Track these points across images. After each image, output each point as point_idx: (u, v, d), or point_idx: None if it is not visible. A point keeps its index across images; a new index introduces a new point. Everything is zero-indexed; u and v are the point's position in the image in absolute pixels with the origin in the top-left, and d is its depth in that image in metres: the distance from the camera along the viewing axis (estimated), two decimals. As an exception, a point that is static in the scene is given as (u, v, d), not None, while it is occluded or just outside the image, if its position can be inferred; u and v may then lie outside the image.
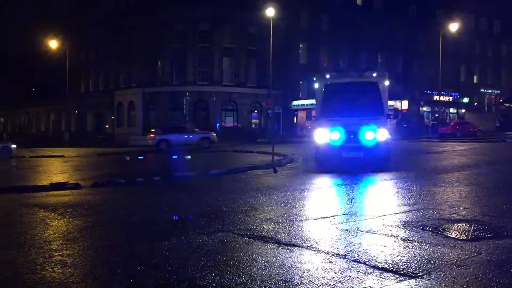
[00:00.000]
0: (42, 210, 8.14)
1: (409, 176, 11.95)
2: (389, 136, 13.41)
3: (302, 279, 4.19)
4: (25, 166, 18.89)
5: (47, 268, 4.67)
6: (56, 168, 17.73)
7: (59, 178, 12.99)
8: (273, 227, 6.28)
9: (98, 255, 5.25)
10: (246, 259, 4.79)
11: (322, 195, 9.56)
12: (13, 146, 26.69)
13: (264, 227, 6.31)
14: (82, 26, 53.83)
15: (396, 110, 14.05)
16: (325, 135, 13.36)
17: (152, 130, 31.84)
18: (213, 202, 8.43)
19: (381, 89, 14.21)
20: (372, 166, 12.99)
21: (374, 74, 14.54)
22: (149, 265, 4.70)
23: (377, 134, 13.13)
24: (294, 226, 6.47)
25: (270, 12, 37.32)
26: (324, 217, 6.89)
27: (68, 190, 10.82)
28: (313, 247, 5.23)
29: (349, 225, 6.32)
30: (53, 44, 47.17)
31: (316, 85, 14.93)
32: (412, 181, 11.02)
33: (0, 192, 10.58)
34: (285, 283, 4.09)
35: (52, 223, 7.05)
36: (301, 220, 6.84)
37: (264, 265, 4.59)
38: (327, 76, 14.84)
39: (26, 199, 9.42)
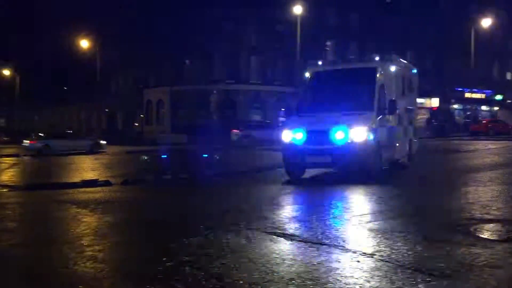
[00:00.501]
0: (74, 206, 8.34)
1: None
2: (372, 136, 10.43)
3: (330, 277, 4.18)
4: (58, 163, 19.37)
5: (79, 263, 4.78)
6: (87, 165, 18.11)
7: (90, 175, 13.28)
8: (300, 225, 6.28)
9: (127, 251, 5.35)
10: (273, 257, 4.81)
11: (349, 193, 9.48)
12: (103, 142, 28.05)
13: (291, 225, 6.31)
14: (112, 26, 54.74)
15: (392, 102, 11.45)
16: (289, 136, 11.01)
17: (235, 127, 32.71)
18: (240, 200, 8.48)
19: (383, 76, 11.62)
20: (344, 175, 10.77)
21: (377, 58, 12.01)
22: (177, 261, 4.76)
23: (351, 134, 10.30)
24: (321, 224, 6.44)
25: (297, 9, 37.22)
26: (352, 216, 6.85)
27: (98, 187, 11.05)
28: (340, 246, 5.20)
29: (377, 224, 6.25)
30: (84, 44, 48.16)
31: (307, 75, 12.82)
32: (438, 182, 10.84)
33: (36, 189, 10.89)
34: (312, 282, 4.08)
35: (83, 219, 7.22)
36: (329, 219, 6.81)
37: (291, 263, 4.60)
38: (319, 63, 12.77)
39: (59, 196, 9.68)
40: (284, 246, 5.26)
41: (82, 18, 53.23)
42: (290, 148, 10.95)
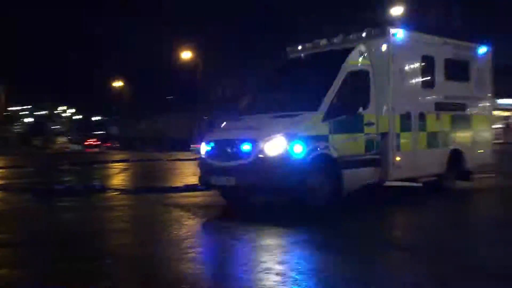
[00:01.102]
0: (177, 209, 8.77)
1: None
2: (302, 148, 7.27)
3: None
4: (163, 168, 20.54)
5: (182, 263, 5.04)
6: (189, 170, 18.92)
7: (191, 180, 13.86)
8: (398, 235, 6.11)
9: (225, 253, 5.57)
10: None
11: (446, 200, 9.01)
12: None
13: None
14: (210, 36, 56.93)
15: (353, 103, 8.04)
16: (204, 147, 8.44)
17: None
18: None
19: (366, 60, 8.51)
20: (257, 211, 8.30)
21: (363, 34, 8.87)
22: (268, 266, 4.87)
23: (262, 146, 7.33)
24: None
25: (396, 11, 36.01)
26: (444, 225, 6.54)
27: (199, 191, 11.50)
28: (437, 253, 5.04)
29: (478, 233, 5.92)
30: (186, 54, 50.69)
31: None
32: None
33: (144, 192, 11.56)
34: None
35: (185, 222, 7.57)
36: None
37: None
38: (299, 48, 10.15)
39: (164, 199, 10.23)
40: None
41: (183, 29, 56.06)
42: (202, 164, 8.55)
